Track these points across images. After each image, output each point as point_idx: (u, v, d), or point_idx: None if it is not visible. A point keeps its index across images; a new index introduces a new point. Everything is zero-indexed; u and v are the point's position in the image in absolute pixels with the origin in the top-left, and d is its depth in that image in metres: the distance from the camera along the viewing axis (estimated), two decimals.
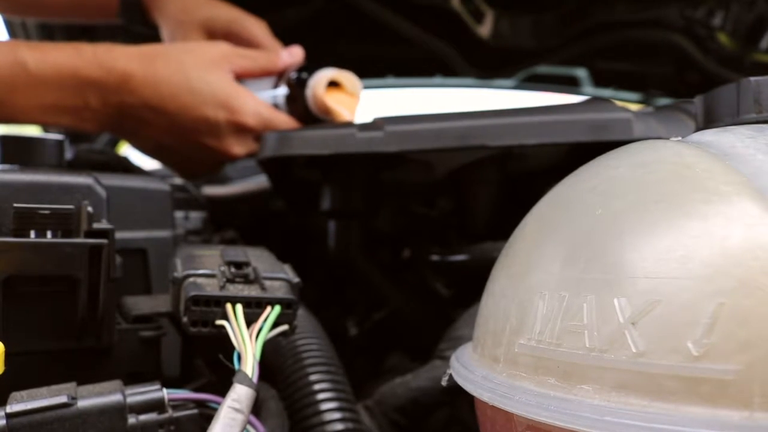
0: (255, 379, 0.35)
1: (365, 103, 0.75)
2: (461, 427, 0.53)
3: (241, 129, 0.71)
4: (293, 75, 0.75)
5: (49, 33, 1.06)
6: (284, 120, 0.72)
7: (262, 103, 0.72)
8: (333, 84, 0.73)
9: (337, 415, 0.46)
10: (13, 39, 1.05)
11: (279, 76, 0.78)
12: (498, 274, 0.34)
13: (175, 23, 0.82)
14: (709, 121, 0.35)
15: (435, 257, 0.70)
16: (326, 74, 0.72)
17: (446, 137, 0.58)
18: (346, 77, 0.73)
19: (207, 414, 0.37)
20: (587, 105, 0.66)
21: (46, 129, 1.14)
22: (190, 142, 0.72)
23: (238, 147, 0.72)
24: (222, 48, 0.74)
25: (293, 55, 0.78)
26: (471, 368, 0.32)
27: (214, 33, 0.81)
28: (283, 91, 0.75)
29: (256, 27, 0.81)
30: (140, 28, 0.87)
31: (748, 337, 0.22)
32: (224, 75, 0.71)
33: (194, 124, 0.70)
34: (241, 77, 0.75)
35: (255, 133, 0.71)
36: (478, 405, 0.32)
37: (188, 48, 0.73)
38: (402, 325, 0.75)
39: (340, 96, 0.72)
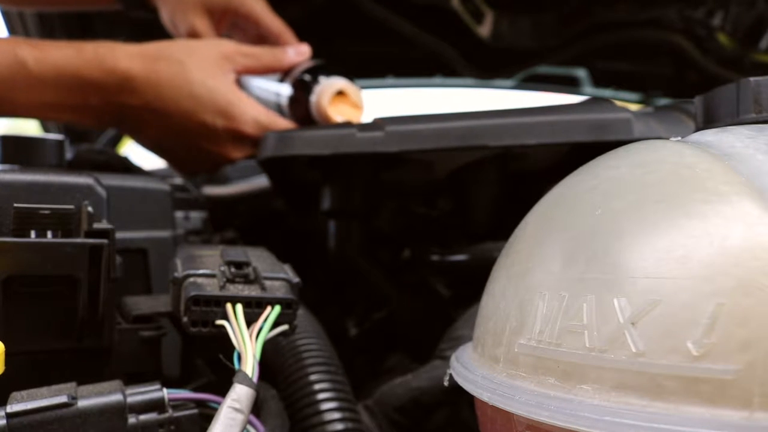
0: (255, 379, 0.35)
1: (365, 104, 0.75)
2: (461, 427, 0.53)
3: (239, 136, 0.71)
4: (299, 75, 0.74)
5: (49, 30, 1.06)
6: (283, 126, 0.72)
7: (262, 110, 0.72)
8: (338, 92, 0.72)
9: (337, 415, 0.46)
10: (13, 36, 1.05)
11: (285, 72, 0.77)
12: (498, 274, 0.34)
13: (174, 3, 0.81)
14: (709, 121, 0.35)
15: (435, 257, 0.70)
16: (333, 85, 0.71)
17: (447, 137, 0.58)
18: (352, 89, 0.72)
19: (207, 414, 0.37)
20: (587, 105, 0.66)
21: (45, 127, 1.15)
22: (189, 144, 0.73)
23: (235, 152, 0.73)
24: (225, 47, 0.73)
25: (300, 53, 0.77)
26: (471, 368, 0.32)
27: (213, 11, 0.80)
28: (287, 91, 0.75)
29: (255, 2, 0.80)
30: (139, 13, 0.87)
31: (747, 337, 0.22)
32: (226, 79, 0.71)
33: (193, 129, 0.70)
34: (244, 74, 0.74)
35: (253, 140, 0.71)
36: (478, 405, 0.32)
37: (191, 48, 0.72)
38: (402, 325, 0.75)
39: (344, 108, 0.72)
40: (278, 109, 0.76)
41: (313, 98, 0.71)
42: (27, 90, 0.66)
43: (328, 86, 0.71)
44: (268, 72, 0.76)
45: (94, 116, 0.71)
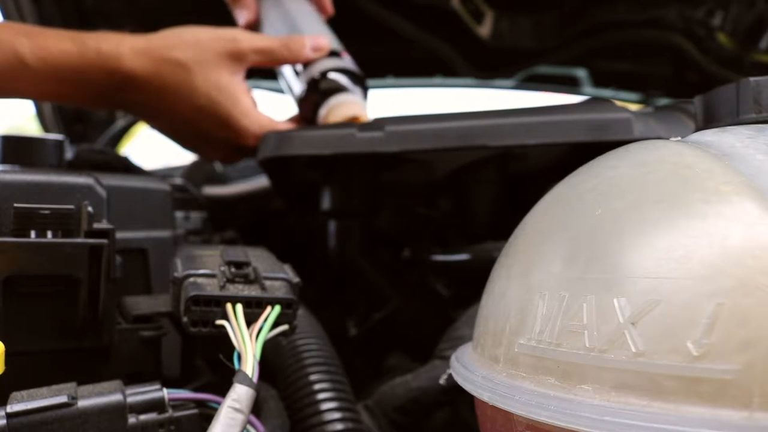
0: (255, 379, 0.35)
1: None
2: (461, 427, 0.53)
3: (239, 148, 0.71)
4: (314, 74, 0.73)
5: (47, 21, 1.05)
6: None
7: (267, 120, 0.70)
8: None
9: (337, 415, 0.46)
10: (8, 22, 1.02)
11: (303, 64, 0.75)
12: (498, 274, 0.34)
13: None
14: (709, 121, 0.35)
15: (435, 257, 0.70)
16: (347, 106, 0.70)
17: (447, 137, 0.58)
18: (364, 115, 0.70)
19: (207, 414, 0.37)
20: (587, 105, 0.66)
21: (45, 127, 1.14)
22: (188, 143, 0.73)
23: (234, 157, 0.73)
24: (238, 43, 0.70)
25: (317, 49, 0.74)
26: (471, 368, 0.32)
27: None
28: (299, 88, 0.74)
29: None
30: None
31: (747, 337, 0.22)
32: (232, 85, 0.69)
33: (192, 132, 0.70)
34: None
35: (254, 148, 0.69)
36: (478, 405, 0.32)
37: (200, 47, 0.68)
38: (402, 325, 0.75)
39: None
40: (288, 92, 0.76)
41: (323, 111, 0.70)
42: (25, 82, 0.65)
43: (341, 105, 0.70)
44: (280, 65, 0.75)
45: (95, 105, 0.71)
